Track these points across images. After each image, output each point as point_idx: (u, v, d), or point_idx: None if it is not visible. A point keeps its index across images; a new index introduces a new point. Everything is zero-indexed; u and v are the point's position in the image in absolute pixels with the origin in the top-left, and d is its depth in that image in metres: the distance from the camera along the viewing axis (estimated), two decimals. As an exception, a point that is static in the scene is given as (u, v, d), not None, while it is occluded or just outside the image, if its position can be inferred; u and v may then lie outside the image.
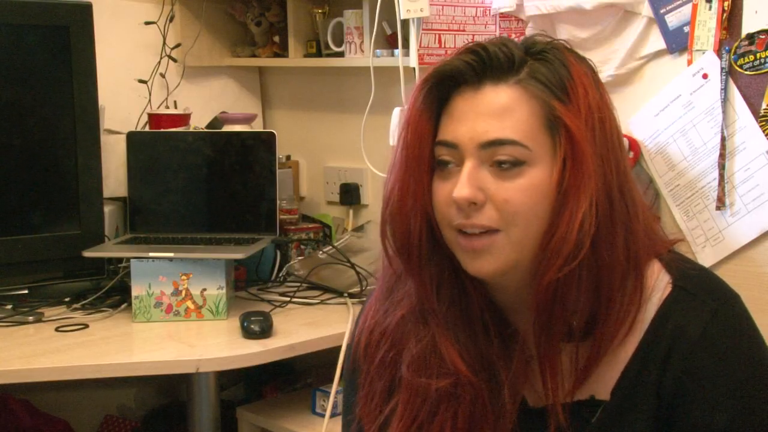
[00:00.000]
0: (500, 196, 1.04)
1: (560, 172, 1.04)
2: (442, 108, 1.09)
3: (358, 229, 2.44)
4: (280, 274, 2.34)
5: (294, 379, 2.41)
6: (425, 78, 1.10)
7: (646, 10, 1.86)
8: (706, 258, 1.81)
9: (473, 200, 1.04)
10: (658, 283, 1.10)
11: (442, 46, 2.05)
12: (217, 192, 2.25)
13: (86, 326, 1.93)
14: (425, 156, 1.09)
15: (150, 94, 2.53)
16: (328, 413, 1.90)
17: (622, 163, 1.08)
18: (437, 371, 1.11)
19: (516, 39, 1.12)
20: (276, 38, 2.60)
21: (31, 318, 1.97)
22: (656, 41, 1.86)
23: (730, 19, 1.75)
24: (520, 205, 1.04)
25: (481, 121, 1.05)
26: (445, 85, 1.09)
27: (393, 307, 1.18)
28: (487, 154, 1.05)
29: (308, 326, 1.96)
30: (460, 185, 1.05)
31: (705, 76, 1.79)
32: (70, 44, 2.08)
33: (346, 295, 2.15)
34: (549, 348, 1.08)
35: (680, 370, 1.07)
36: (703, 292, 1.09)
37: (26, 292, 2.12)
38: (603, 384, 1.11)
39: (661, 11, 1.84)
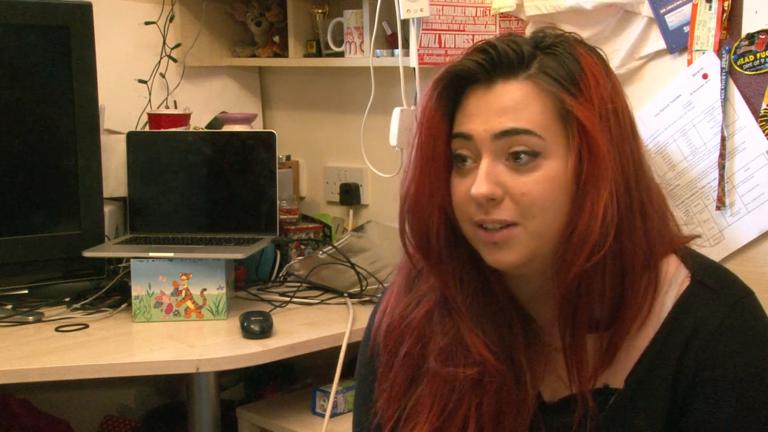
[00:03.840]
0: (518, 190, 1.05)
1: (576, 164, 1.05)
2: (456, 107, 1.10)
3: (358, 229, 2.44)
4: (280, 274, 2.33)
5: (294, 379, 2.41)
6: (437, 79, 1.11)
7: (646, 10, 1.86)
8: (706, 258, 1.81)
9: (492, 196, 1.05)
10: (676, 277, 1.11)
11: (442, 46, 2.05)
12: (217, 192, 2.25)
13: (86, 326, 1.93)
14: (440, 154, 1.10)
15: (150, 94, 2.53)
16: (328, 413, 1.90)
17: (636, 151, 1.09)
18: (464, 361, 1.12)
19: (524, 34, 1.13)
20: (276, 38, 2.60)
21: (31, 318, 1.97)
22: (656, 41, 1.86)
23: (730, 19, 1.75)
24: (537, 198, 1.05)
25: (494, 115, 1.06)
26: (457, 85, 1.10)
27: (416, 301, 1.19)
28: (502, 146, 1.06)
29: (308, 326, 1.96)
30: (479, 182, 1.06)
31: (705, 76, 1.79)
32: (70, 44, 2.07)
33: (346, 295, 2.15)
34: (575, 339, 1.09)
35: (695, 362, 1.08)
36: (721, 287, 1.10)
37: (26, 292, 2.11)
38: (617, 373, 1.11)
39: (661, 11, 1.84)
